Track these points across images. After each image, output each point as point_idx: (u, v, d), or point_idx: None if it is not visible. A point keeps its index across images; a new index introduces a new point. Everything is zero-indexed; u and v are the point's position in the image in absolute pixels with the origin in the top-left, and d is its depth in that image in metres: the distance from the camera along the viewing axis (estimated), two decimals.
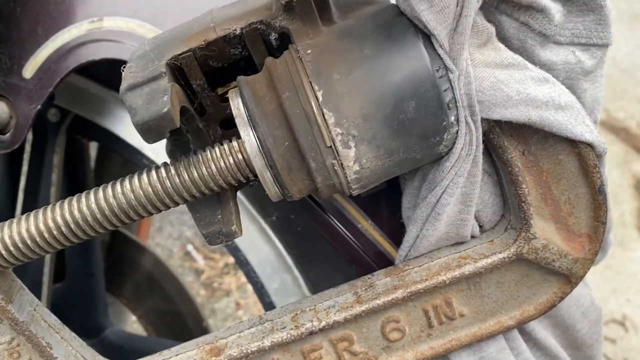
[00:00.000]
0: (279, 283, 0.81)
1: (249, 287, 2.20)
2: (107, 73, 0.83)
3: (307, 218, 0.70)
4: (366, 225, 0.67)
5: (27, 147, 0.90)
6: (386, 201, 0.67)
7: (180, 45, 0.52)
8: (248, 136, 0.46)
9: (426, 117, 0.45)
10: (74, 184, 0.95)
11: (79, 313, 1.01)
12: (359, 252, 0.67)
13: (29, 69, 0.70)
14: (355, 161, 0.45)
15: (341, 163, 0.45)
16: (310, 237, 0.75)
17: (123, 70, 0.52)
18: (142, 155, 0.83)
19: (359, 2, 0.51)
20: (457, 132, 0.47)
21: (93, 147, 1.05)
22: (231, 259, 2.29)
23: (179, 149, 0.55)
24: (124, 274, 1.11)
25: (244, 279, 2.23)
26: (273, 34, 0.52)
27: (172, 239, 2.15)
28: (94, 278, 1.02)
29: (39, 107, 0.70)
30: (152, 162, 0.83)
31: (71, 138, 0.92)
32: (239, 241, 0.82)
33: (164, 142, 0.82)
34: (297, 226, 0.75)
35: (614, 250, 1.97)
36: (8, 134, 0.71)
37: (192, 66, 0.52)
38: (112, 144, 0.86)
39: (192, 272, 2.15)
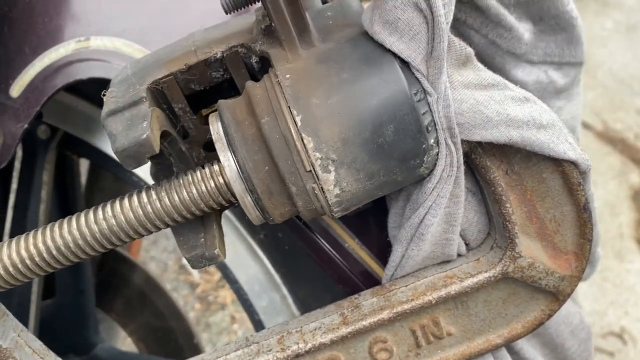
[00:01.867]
0: (267, 301, 0.80)
1: None
2: (95, 91, 0.83)
3: (293, 237, 0.69)
4: (352, 244, 0.67)
5: (17, 165, 0.90)
6: (373, 219, 0.67)
7: (162, 68, 0.52)
8: (228, 161, 0.46)
9: (405, 141, 0.45)
10: (64, 201, 0.95)
11: (69, 330, 1.00)
12: (345, 271, 0.67)
13: (16, 88, 0.70)
14: (335, 185, 0.45)
15: (321, 187, 0.45)
16: (298, 256, 0.75)
17: (104, 95, 0.52)
18: (132, 173, 0.83)
19: (339, 24, 0.51)
20: (437, 154, 0.47)
21: (84, 163, 1.05)
22: None
23: (163, 172, 0.55)
24: (114, 289, 1.10)
25: None
26: (254, 58, 0.52)
27: (167, 252, 2.15)
28: (84, 294, 1.01)
29: (26, 125, 0.70)
30: (141, 179, 0.83)
31: (61, 154, 0.92)
32: (227, 259, 0.82)
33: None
34: (285, 244, 0.75)
35: (611, 262, 1.96)
36: None
37: (174, 90, 0.52)
38: (102, 161, 0.85)
39: (187, 285, 2.15)
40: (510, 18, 0.51)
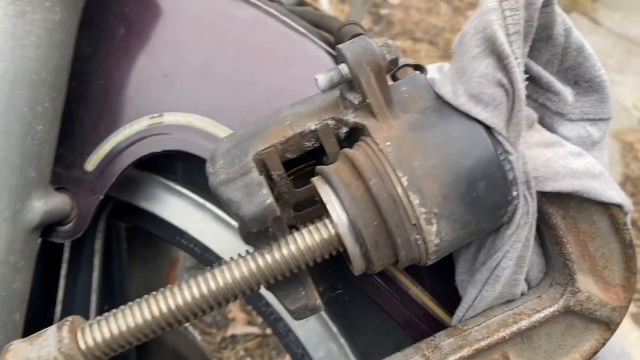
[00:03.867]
0: (325, 352, 0.84)
1: None
2: (149, 160, 0.88)
3: (358, 288, 0.75)
4: (416, 291, 0.73)
5: None
6: (431, 269, 0.74)
7: (261, 141, 0.58)
8: (340, 219, 0.52)
9: (495, 194, 0.52)
10: (110, 268, 0.98)
11: None
12: (411, 316, 0.72)
13: (91, 163, 0.75)
14: (436, 235, 0.52)
15: (424, 238, 0.52)
16: (357, 307, 0.80)
17: (209, 166, 0.58)
18: (183, 236, 0.87)
19: (414, 97, 0.59)
20: (516, 205, 0.55)
21: None
22: (228, 333, 2.27)
23: (254, 234, 0.61)
24: (150, 353, 1.12)
25: (242, 352, 2.21)
26: (344, 129, 0.59)
27: None
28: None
29: (101, 197, 0.75)
30: (194, 240, 0.87)
31: (109, 223, 0.96)
32: (282, 313, 0.86)
33: (208, 223, 0.87)
34: (345, 297, 0.80)
35: None
36: (70, 224, 0.75)
37: (274, 159, 0.58)
38: (153, 226, 0.89)
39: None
40: (558, 84, 0.60)
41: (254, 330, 2.23)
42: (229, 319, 2.30)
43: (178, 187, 0.85)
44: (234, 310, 2.29)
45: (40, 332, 0.55)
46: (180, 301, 0.54)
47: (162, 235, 0.91)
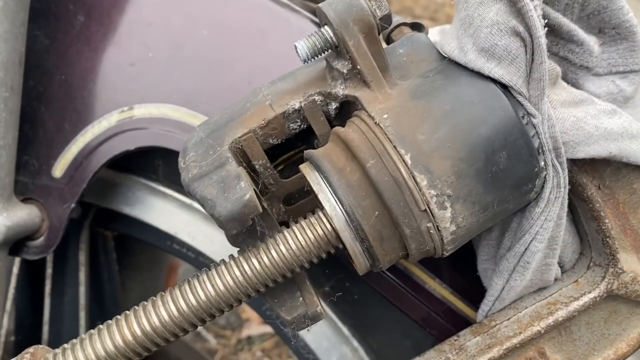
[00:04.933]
0: (338, 357, 0.76)
1: None
2: (126, 160, 0.80)
3: (367, 285, 0.66)
4: (433, 284, 0.64)
5: None
6: (446, 259, 0.65)
7: (239, 127, 0.50)
8: (334, 210, 0.44)
9: (518, 166, 0.43)
10: (100, 281, 0.91)
11: None
12: (430, 313, 0.64)
13: (59, 168, 0.67)
14: (452, 221, 0.43)
15: (437, 226, 0.43)
16: (369, 305, 0.72)
17: (180, 160, 0.50)
18: (173, 240, 0.79)
19: (414, 59, 0.51)
20: (545, 177, 0.46)
21: None
22: (243, 334, 2.21)
23: (243, 235, 0.52)
24: None
25: (259, 353, 2.14)
26: (333, 104, 0.50)
27: None
28: None
29: (72, 205, 0.67)
30: (185, 245, 0.79)
31: (93, 232, 0.88)
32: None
33: (198, 224, 0.79)
34: (354, 294, 0.72)
35: None
36: (42, 238, 0.67)
37: (254, 147, 0.50)
38: (140, 232, 0.82)
39: (204, 353, 2.06)
40: (581, 33, 0.51)
41: (270, 329, 2.15)
42: (243, 319, 2.23)
43: (161, 188, 0.77)
44: (248, 310, 2.22)
45: None
46: (156, 321, 0.46)
47: (151, 242, 0.83)
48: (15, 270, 0.86)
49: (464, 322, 0.63)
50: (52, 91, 0.68)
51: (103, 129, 0.66)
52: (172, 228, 0.78)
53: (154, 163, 0.75)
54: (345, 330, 0.75)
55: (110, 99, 0.67)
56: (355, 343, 0.74)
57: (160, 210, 0.78)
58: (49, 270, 0.85)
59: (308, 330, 0.50)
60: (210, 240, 0.77)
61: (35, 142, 0.67)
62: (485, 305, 0.57)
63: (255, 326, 2.25)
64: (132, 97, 0.66)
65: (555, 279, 0.57)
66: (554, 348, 0.57)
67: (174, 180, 0.76)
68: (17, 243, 0.67)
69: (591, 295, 0.55)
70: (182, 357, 1.08)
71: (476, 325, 0.57)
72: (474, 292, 0.61)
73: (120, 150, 0.66)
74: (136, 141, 0.66)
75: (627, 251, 0.56)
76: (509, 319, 0.56)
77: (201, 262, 0.78)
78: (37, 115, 0.67)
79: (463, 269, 0.63)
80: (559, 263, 0.57)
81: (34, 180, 0.68)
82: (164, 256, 1.13)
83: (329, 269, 0.70)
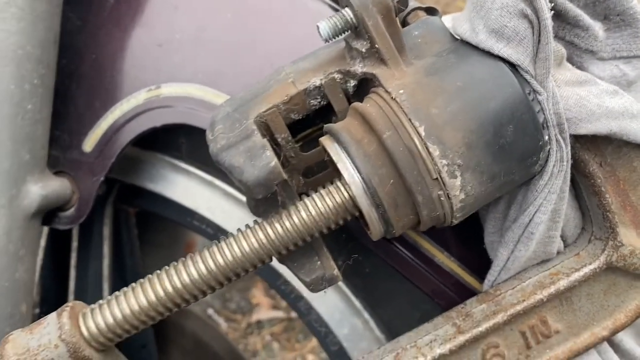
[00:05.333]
0: (349, 328, 0.80)
1: (276, 345, 2.15)
2: (151, 138, 0.84)
3: (379, 258, 0.70)
4: (442, 257, 0.68)
5: None
6: (456, 231, 0.69)
7: (263, 102, 0.53)
8: (352, 178, 0.47)
9: (524, 139, 0.47)
10: (122, 255, 0.95)
11: None
12: (439, 285, 0.67)
13: (89, 143, 0.71)
14: (461, 190, 0.47)
15: (447, 194, 0.47)
16: (380, 278, 0.75)
17: (209, 133, 0.53)
18: (194, 216, 0.83)
19: (428, 41, 0.54)
20: (549, 151, 0.49)
21: None
22: (253, 319, 2.25)
23: (264, 204, 0.56)
24: (170, 340, 1.09)
25: (268, 337, 2.19)
26: (352, 81, 0.54)
27: (192, 304, 2.12)
28: (146, 349, 1.00)
29: (101, 179, 0.71)
30: (205, 220, 0.83)
31: (116, 208, 0.92)
32: (303, 291, 0.82)
33: (218, 200, 0.83)
34: (365, 268, 0.75)
35: None
36: (72, 209, 0.71)
37: (277, 121, 0.53)
38: (162, 208, 0.86)
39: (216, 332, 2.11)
40: (586, 18, 0.54)
41: (279, 314, 2.20)
42: (253, 304, 2.28)
43: (184, 165, 0.80)
44: (258, 295, 2.26)
45: (40, 319, 0.51)
46: (186, 279, 0.50)
47: (171, 217, 0.87)
48: (42, 243, 0.90)
49: (470, 294, 0.67)
50: (84, 70, 0.71)
51: (131, 106, 0.70)
52: (193, 204, 0.82)
53: (178, 141, 0.79)
54: (357, 303, 0.78)
55: (139, 78, 0.70)
56: (367, 315, 0.78)
57: (182, 187, 0.82)
58: (74, 244, 0.89)
59: (325, 292, 0.54)
60: (229, 216, 0.81)
61: (67, 118, 0.71)
62: (491, 276, 0.60)
63: (265, 311, 2.30)
64: (159, 77, 0.70)
65: (558, 252, 0.60)
66: (555, 317, 0.60)
67: (196, 157, 0.79)
68: (49, 214, 0.71)
69: (591, 267, 0.58)
70: (196, 330, 1.12)
71: (483, 294, 0.61)
72: (481, 265, 0.64)
73: (148, 127, 0.69)
74: (162, 118, 0.69)
75: (626, 226, 0.59)
76: (513, 288, 0.59)
77: (220, 238, 0.82)
78: (69, 92, 0.71)
79: (470, 243, 0.66)
80: (561, 237, 0.60)
81: (65, 155, 0.72)
82: (182, 234, 1.17)
83: (341, 242, 0.74)
